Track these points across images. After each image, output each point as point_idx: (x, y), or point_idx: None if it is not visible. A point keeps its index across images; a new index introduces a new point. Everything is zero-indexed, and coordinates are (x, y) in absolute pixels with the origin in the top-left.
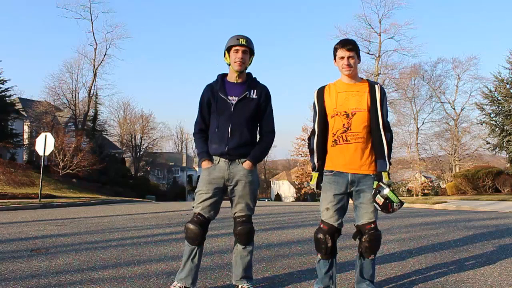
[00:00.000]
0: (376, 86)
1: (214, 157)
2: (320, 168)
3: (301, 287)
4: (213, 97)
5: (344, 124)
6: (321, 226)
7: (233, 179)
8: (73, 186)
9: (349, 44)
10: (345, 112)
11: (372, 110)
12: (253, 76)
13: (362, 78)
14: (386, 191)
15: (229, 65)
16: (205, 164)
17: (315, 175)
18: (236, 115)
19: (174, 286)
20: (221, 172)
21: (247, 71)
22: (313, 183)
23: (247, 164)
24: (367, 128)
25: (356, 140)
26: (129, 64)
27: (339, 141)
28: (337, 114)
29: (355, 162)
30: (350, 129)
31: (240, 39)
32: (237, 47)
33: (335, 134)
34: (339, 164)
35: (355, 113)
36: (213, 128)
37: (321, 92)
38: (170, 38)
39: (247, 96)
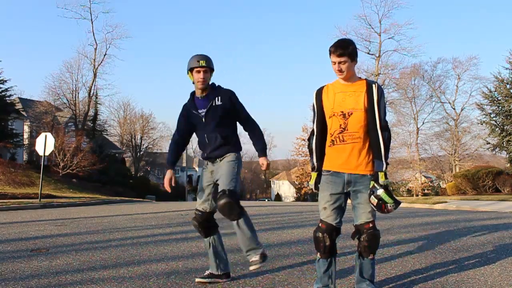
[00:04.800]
0: (373, 85)
1: (204, 161)
2: (318, 169)
3: (301, 287)
4: (188, 115)
5: (341, 125)
6: (320, 225)
7: (216, 170)
8: (73, 186)
9: (340, 49)
10: (342, 112)
11: (369, 109)
12: (216, 85)
13: (360, 78)
14: (380, 191)
15: (193, 82)
16: (168, 173)
17: (314, 175)
18: (208, 124)
19: (202, 274)
20: (210, 169)
21: (211, 81)
22: (311, 183)
23: (264, 159)
24: (364, 128)
25: (353, 140)
26: (129, 64)
27: (336, 142)
28: (334, 115)
29: (352, 162)
30: (347, 129)
31: (200, 61)
32: (198, 69)
33: (332, 135)
34: (336, 164)
35: (352, 113)
36: (198, 138)
37: (319, 92)
38: (170, 38)
39: (213, 104)
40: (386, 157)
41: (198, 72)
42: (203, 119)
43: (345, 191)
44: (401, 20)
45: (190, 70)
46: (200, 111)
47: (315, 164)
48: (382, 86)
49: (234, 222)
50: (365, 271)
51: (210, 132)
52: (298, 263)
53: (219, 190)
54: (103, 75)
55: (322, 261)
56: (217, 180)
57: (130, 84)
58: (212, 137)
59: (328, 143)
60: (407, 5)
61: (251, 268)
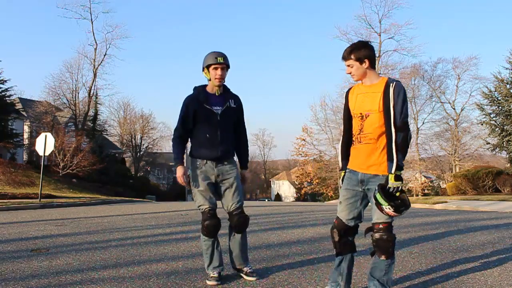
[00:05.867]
0: (391, 85)
1: (202, 160)
2: (344, 167)
3: (301, 287)
4: (199, 108)
5: (358, 126)
6: (334, 220)
7: (222, 174)
8: (73, 186)
9: (344, 53)
10: (361, 114)
11: (385, 110)
12: (227, 86)
13: (382, 77)
14: (376, 193)
15: (209, 79)
16: (180, 169)
17: (341, 174)
18: (223, 123)
19: (214, 275)
20: (211, 170)
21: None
22: (339, 181)
23: (246, 173)
24: (379, 129)
25: (367, 142)
26: (129, 64)
27: (355, 142)
28: (354, 116)
29: (365, 162)
30: (363, 131)
31: (219, 58)
32: (216, 65)
33: (354, 135)
34: (353, 164)
35: (368, 115)
36: (202, 135)
37: (347, 93)
38: (171, 38)
39: (229, 105)
40: (398, 158)
41: (216, 69)
42: (218, 117)
43: (360, 189)
44: (401, 20)
45: (207, 67)
46: (215, 108)
47: (340, 163)
48: (399, 84)
49: (239, 235)
50: (376, 271)
51: (225, 131)
52: (298, 263)
53: (236, 206)
54: (103, 75)
55: (337, 257)
56: (225, 186)
57: (130, 84)
58: (226, 137)
59: (353, 143)
60: (407, 5)
61: (250, 278)
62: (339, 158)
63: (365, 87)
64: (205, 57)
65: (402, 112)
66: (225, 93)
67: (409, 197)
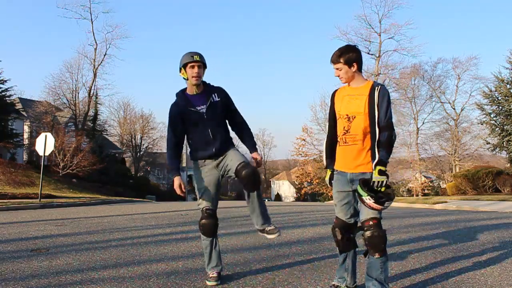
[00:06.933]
0: (376, 88)
1: (201, 160)
2: (328, 166)
3: (301, 287)
4: (183, 113)
5: (344, 127)
6: (334, 220)
7: (223, 166)
8: (73, 186)
9: (333, 57)
10: (347, 115)
11: (370, 112)
12: (207, 82)
13: (368, 80)
14: (356, 184)
15: (187, 79)
16: (176, 180)
17: (328, 172)
18: (211, 120)
19: (213, 275)
20: (212, 168)
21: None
22: (326, 179)
23: (257, 154)
24: (365, 130)
25: (353, 142)
26: (129, 64)
27: (340, 143)
28: (340, 117)
29: (352, 162)
30: (349, 132)
31: (194, 56)
32: (192, 63)
33: (339, 136)
34: (340, 164)
35: (354, 117)
36: (195, 137)
37: (333, 95)
38: (171, 38)
39: (212, 101)
40: (381, 154)
41: (193, 67)
42: (205, 115)
43: (350, 189)
44: (401, 20)
45: (184, 66)
46: (199, 107)
47: (325, 162)
48: (384, 87)
49: (255, 193)
50: (372, 270)
51: (214, 128)
52: (298, 263)
53: (240, 162)
54: (103, 75)
55: (341, 255)
56: (229, 168)
57: (130, 84)
58: (218, 133)
59: (338, 143)
60: (407, 5)
61: (270, 236)
62: (324, 157)
63: (351, 89)
64: (181, 58)
65: (387, 114)
66: (206, 89)
67: (409, 197)
